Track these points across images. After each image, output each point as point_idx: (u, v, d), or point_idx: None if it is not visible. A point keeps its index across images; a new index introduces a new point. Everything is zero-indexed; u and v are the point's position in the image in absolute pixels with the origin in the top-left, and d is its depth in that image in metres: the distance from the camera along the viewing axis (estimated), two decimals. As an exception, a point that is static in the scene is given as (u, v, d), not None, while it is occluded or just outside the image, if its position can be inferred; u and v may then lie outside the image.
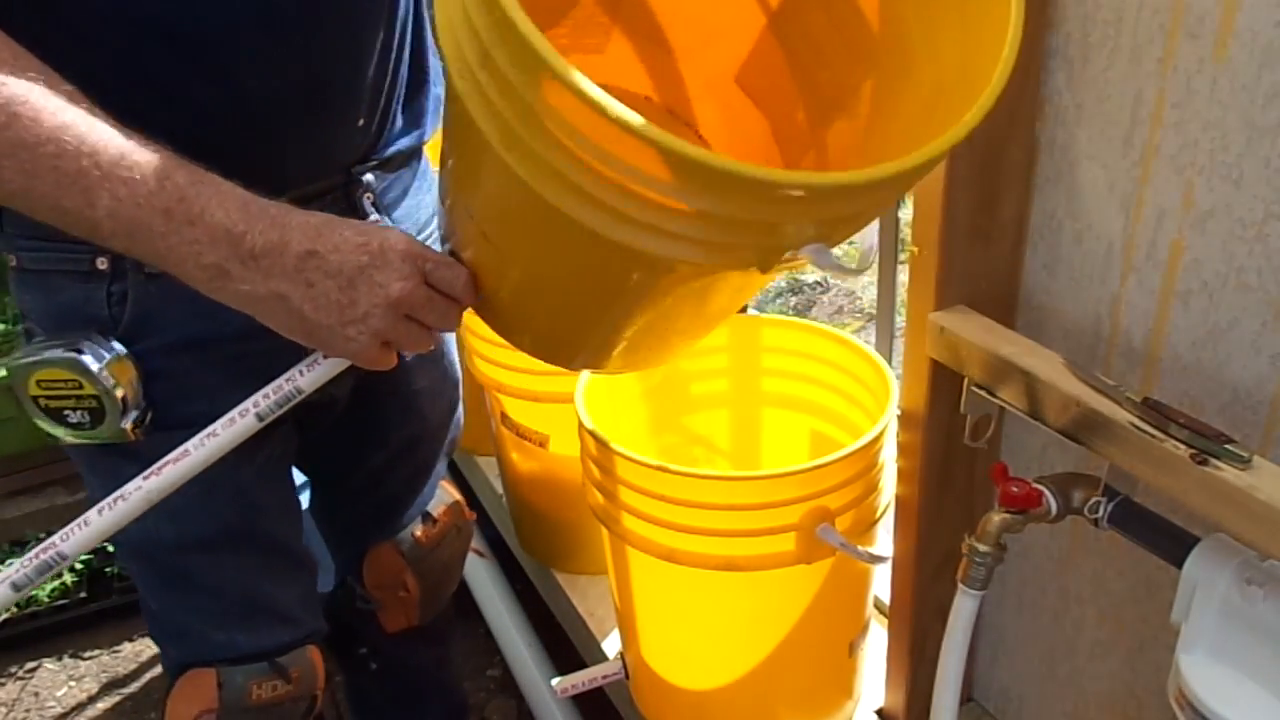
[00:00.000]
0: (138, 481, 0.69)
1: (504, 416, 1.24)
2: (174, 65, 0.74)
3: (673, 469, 0.84)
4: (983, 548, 0.74)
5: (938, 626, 0.80)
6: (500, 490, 1.49)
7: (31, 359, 0.80)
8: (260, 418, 0.70)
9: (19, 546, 2.01)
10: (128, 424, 0.82)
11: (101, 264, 0.79)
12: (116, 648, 1.88)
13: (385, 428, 1.09)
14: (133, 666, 1.84)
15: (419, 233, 0.96)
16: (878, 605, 1.12)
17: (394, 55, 0.87)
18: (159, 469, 0.69)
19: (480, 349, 1.21)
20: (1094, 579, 0.86)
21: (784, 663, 0.95)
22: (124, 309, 0.81)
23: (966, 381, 0.78)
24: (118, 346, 0.81)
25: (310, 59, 0.80)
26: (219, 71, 0.75)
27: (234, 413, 0.71)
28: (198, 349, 0.84)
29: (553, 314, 0.70)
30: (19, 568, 0.68)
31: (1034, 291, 0.82)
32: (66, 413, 0.82)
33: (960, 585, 0.76)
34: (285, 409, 0.71)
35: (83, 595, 1.90)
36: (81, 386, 0.80)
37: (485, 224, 0.64)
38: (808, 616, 0.92)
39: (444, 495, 1.20)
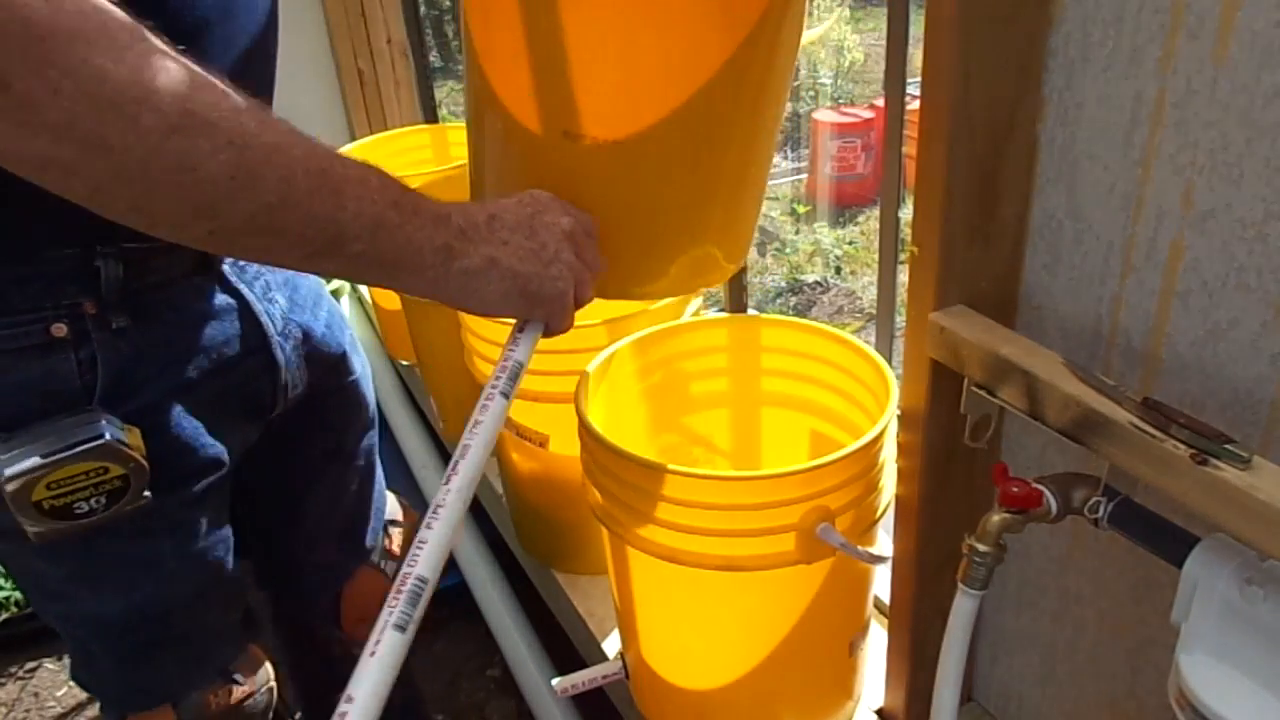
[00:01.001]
0: (444, 488, 0.63)
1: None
2: None
3: (673, 469, 0.84)
4: (983, 548, 0.74)
5: (938, 626, 0.80)
6: (500, 490, 1.49)
7: (39, 464, 0.70)
8: (505, 395, 0.71)
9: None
10: (147, 493, 0.76)
11: (59, 330, 0.72)
12: (116, 648, 1.88)
13: (337, 427, 1.06)
14: (133, 666, 1.84)
15: None
16: (878, 605, 1.12)
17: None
18: (455, 469, 0.64)
19: (480, 349, 1.21)
20: (1094, 579, 0.86)
21: (784, 663, 0.95)
22: (95, 375, 0.74)
23: (966, 381, 0.78)
24: (113, 416, 0.74)
25: (265, 57, 0.79)
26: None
27: (482, 400, 0.70)
28: (182, 396, 0.80)
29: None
30: (392, 610, 0.56)
31: (1034, 291, 0.82)
32: (77, 505, 0.73)
33: (960, 585, 0.76)
34: (518, 383, 0.72)
35: (83, 595, 1.90)
36: (107, 471, 0.73)
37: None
38: (808, 616, 0.92)
39: (392, 498, 1.18)
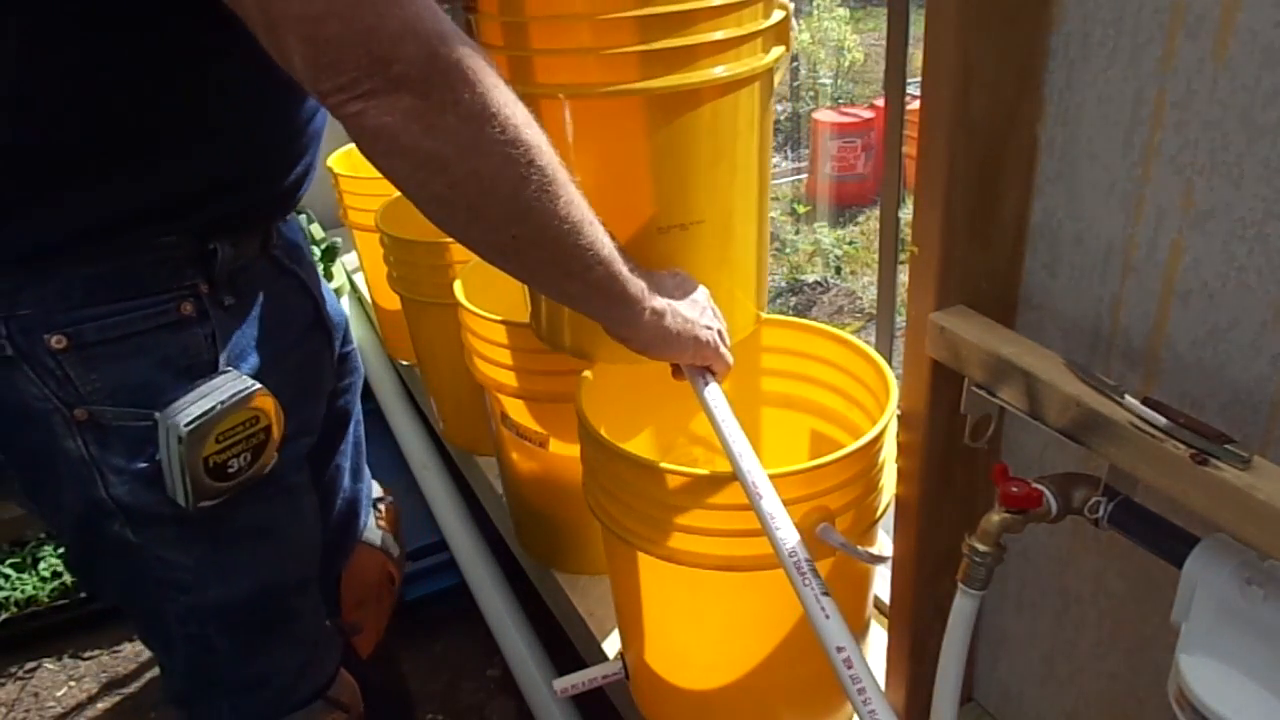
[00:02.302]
0: (741, 470, 0.76)
1: (504, 416, 1.24)
2: None
3: (673, 469, 0.84)
4: (982, 548, 0.74)
5: (938, 626, 0.80)
6: (500, 490, 1.49)
7: (210, 410, 0.77)
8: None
9: (18, 547, 2.02)
10: (277, 451, 0.83)
11: (187, 308, 0.80)
12: (116, 648, 1.88)
13: (347, 392, 1.09)
14: (133, 666, 1.84)
15: None
16: (878, 605, 1.12)
17: None
18: (733, 453, 0.78)
19: (480, 349, 1.21)
20: (1094, 579, 0.86)
21: (784, 663, 0.95)
22: (216, 347, 0.82)
23: (966, 381, 0.78)
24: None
25: None
26: None
27: (701, 390, 0.86)
28: (278, 364, 0.87)
29: None
30: (809, 586, 0.68)
31: (1034, 291, 0.82)
32: (229, 464, 0.80)
33: (960, 585, 0.76)
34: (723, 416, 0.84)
35: (83, 595, 1.90)
36: (257, 421, 0.80)
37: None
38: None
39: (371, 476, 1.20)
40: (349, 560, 1.13)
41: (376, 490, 1.20)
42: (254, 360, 0.85)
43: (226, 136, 0.79)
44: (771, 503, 0.73)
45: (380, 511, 1.18)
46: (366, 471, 1.17)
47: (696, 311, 0.85)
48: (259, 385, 0.81)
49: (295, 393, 0.88)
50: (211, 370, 0.81)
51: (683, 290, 0.86)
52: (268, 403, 0.81)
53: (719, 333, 0.87)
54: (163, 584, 0.86)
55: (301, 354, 0.93)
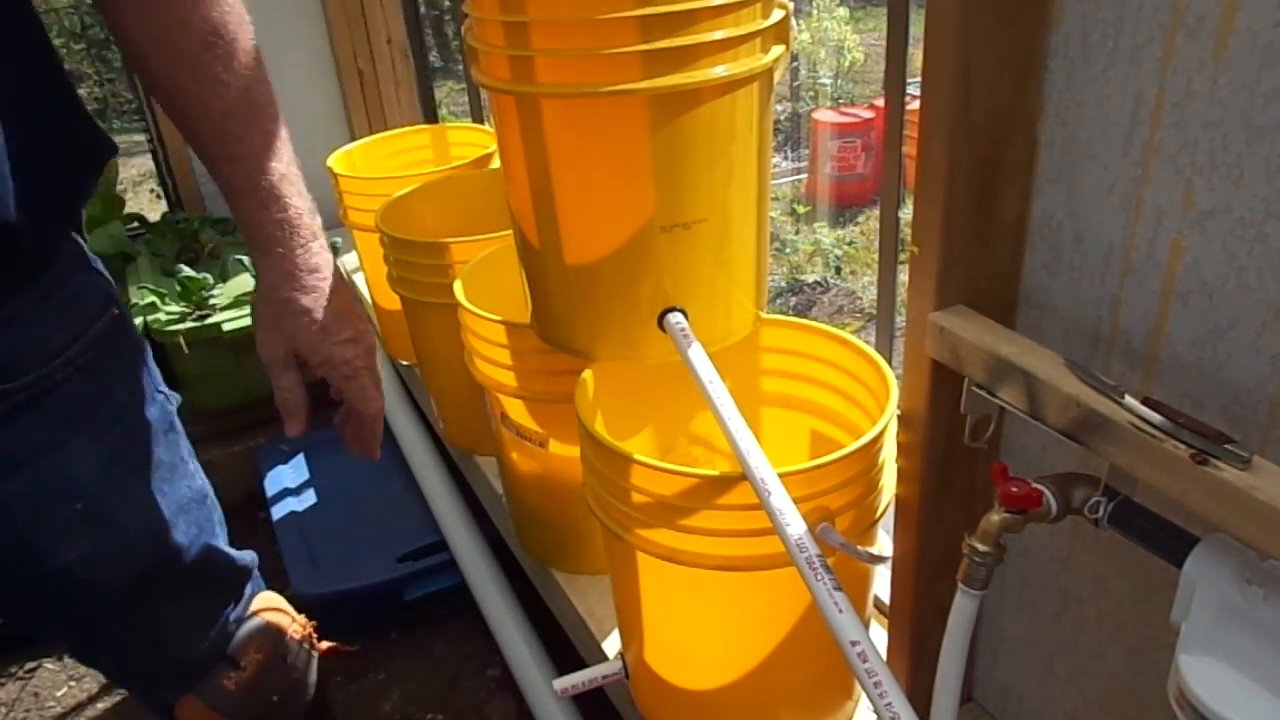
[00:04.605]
0: (749, 466, 0.77)
1: (504, 416, 1.24)
2: None
3: (673, 469, 0.84)
4: (983, 548, 0.74)
5: (938, 626, 0.80)
6: (500, 490, 1.49)
7: None
8: None
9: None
10: None
11: None
12: (116, 648, 1.88)
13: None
14: (133, 666, 1.84)
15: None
16: (878, 605, 1.12)
17: None
18: (739, 447, 0.78)
19: (480, 349, 1.21)
20: (1094, 579, 0.86)
21: (784, 663, 0.95)
22: None
23: (966, 381, 0.78)
24: None
25: None
26: None
27: (707, 387, 0.86)
28: None
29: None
30: (822, 582, 0.69)
31: (1034, 291, 0.82)
32: None
33: (960, 585, 0.76)
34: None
35: (83, 595, 1.90)
36: None
37: None
38: (808, 616, 0.92)
39: (253, 626, 1.02)
40: (176, 704, 1.00)
41: (247, 643, 1.01)
42: None
43: None
44: (780, 499, 0.73)
45: (235, 675, 1.00)
46: (219, 622, 1.00)
47: (334, 315, 0.88)
48: None
49: None
50: None
51: (345, 293, 0.89)
52: None
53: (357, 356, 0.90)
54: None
55: None
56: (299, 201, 0.86)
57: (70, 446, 0.83)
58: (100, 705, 1.77)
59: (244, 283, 2.13)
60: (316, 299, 0.87)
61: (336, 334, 0.88)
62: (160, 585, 0.93)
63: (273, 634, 1.04)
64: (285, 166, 0.85)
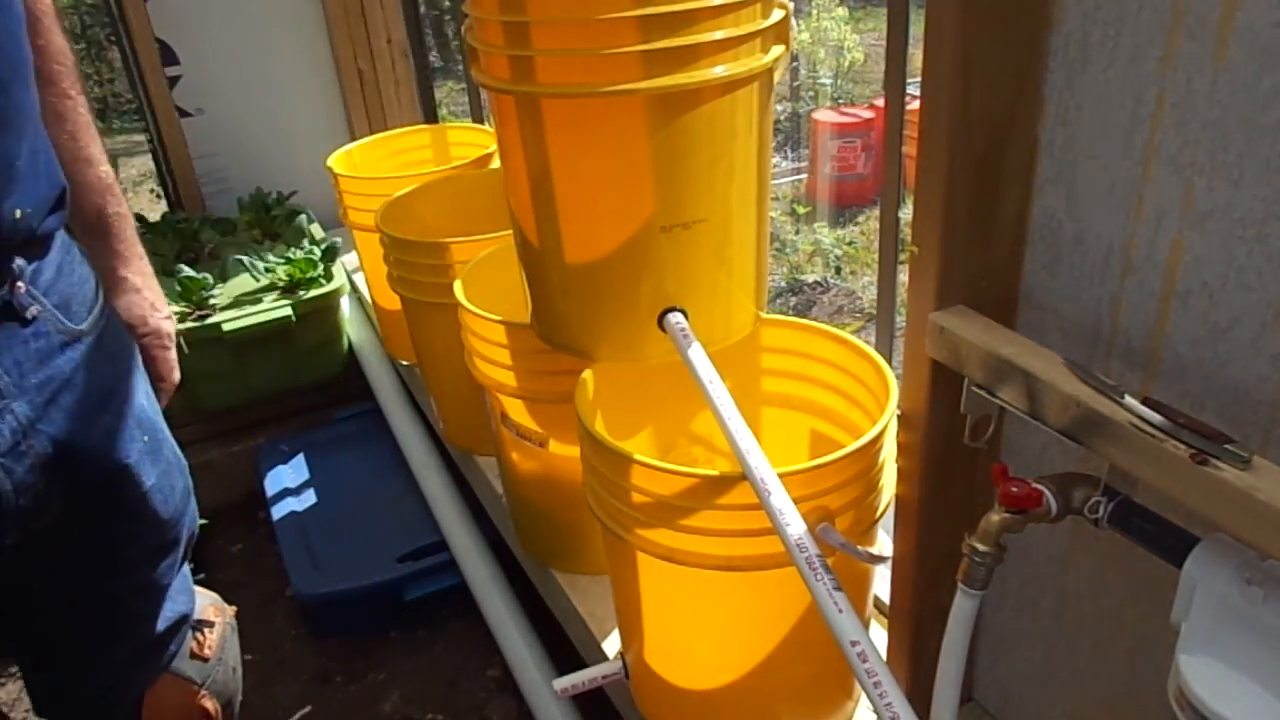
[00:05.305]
0: (748, 464, 0.77)
1: (504, 416, 1.24)
2: None
3: (673, 469, 0.84)
4: (983, 548, 0.74)
5: (938, 626, 0.80)
6: (500, 490, 1.49)
7: None
8: None
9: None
10: None
11: None
12: (116, 648, 1.87)
13: (110, 543, 0.96)
14: (133, 666, 1.84)
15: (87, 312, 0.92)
16: (878, 605, 1.12)
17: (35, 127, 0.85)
18: (738, 446, 0.79)
19: (480, 349, 1.21)
20: (1094, 579, 0.86)
21: (784, 663, 0.95)
22: None
23: (966, 381, 0.78)
24: None
25: None
26: None
27: (708, 387, 0.86)
28: None
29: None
30: (821, 581, 0.69)
31: (1034, 291, 0.82)
32: None
33: (960, 585, 0.76)
34: None
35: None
36: None
37: None
38: (808, 616, 0.92)
39: (204, 594, 1.08)
40: (147, 690, 1.01)
41: (205, 613, 1.07)
42: None
43: None
44: (780, 499, 0.73)
45: (202, 637, 1.05)
46: (177, 607, 1.03)
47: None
48: None
49: None
50: None
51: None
52: None
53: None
54: None
55: None
56: (122, 199, 1.02)
57: (133, 382, 0.96)
58: (100, 705, 1.77)
59: (244, 283, 2.13)
60: (148, 280, 1.04)
61: (161, 311, 1.06)
62: (177, 534, 1.02)
63: (216, 600, 1.13)
64: (110, 170, 1.00)
